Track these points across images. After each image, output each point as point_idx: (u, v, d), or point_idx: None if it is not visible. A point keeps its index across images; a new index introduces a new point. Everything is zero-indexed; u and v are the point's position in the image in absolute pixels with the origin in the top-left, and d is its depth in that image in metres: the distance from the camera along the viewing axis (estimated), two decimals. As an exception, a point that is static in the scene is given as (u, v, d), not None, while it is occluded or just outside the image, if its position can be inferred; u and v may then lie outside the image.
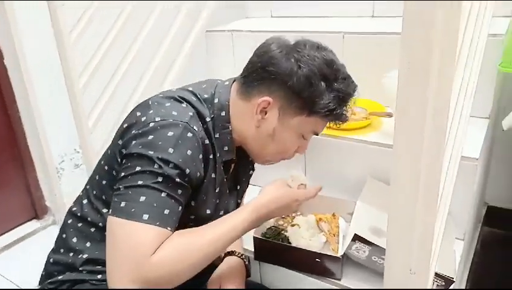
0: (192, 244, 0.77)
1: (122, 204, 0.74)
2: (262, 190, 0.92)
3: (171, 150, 0.76)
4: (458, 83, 0.75)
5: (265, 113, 0.88)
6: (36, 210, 2.16)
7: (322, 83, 0.85)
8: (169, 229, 0.75)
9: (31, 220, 2.16)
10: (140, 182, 0.74)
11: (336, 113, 0.88)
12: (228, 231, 0.82)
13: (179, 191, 0.77)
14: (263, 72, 0.86)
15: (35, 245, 2.01)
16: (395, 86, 1.13)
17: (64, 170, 2.13)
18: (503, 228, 1.71)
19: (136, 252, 0.71)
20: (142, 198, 0.73)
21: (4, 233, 2.05)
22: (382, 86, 1.17)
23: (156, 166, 0.75)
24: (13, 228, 2.09)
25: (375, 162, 1.22)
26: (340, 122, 0.92)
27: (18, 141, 2.00)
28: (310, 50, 0.86)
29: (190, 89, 0.89)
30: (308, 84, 0.84)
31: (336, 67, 0.87)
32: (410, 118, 0.51)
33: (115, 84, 1.34)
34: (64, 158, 2.11)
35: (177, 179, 0.76)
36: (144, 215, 0.72)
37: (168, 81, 1.50)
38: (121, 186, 0.75)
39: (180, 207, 0.78)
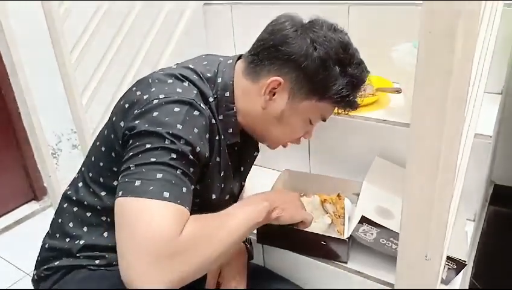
0: (217, 225, 0.72)
1: (137, 183, 0.66)
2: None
3: (179, 126, 0.71)
4: (478, 53, 0.70)
5: (274, 94, 0.83)
6: (35, 191, 2.14)
7: (337, 67, 0.80)
8: (188, 208, 0.69)
9: (30, 201, 2.16)
10: (153, 159, 0.68)
11: (348, 100, 0.84)
12: (248, 214, 0.77)
13: (191, 170, 0.72)
14: (275, 51, 0.81)
15: (34, 226, 2.00)
16: (404, 59, 1.09)
17: (62, 150, 2.10)
18: (510, 207, 1.68)
19: (162, 233, 0.63)
20: (159, 175, 0.67)
21: (3, 215, 2.05)
22: (390, 60, 1.12)
23: (167, 142, 0.69)
24: (12, 210, 2.08)
25: (382, 140, 1.17)
26: (350, 110, 0.88)
27: (13, 121, 1.96)
28: (327, 31, 0.81)
29: (191, 66, 0.84)
30: (322, 67, 0.79)
31: (351, 52, 0.83)
32: (432, 92, 0.46)
33: (108, 59, 1.28)
34: (62, 138, 2.08)
35: (190, 156, 0.71)
36: (165, 193, 0.66)
37: (165, 57, 1.44)
38: (131, 165, 0.69)
39: (193, 186, 0.73)
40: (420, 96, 0.47)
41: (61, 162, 2.09)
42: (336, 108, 0.89)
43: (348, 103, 0.85)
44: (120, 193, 0.68)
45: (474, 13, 0.50)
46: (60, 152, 2.09)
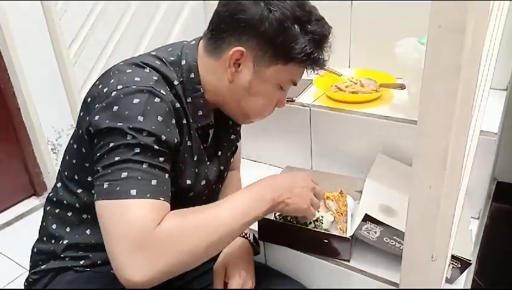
0: (202, 218, 0.70)
1: (105, 185, 0.67)
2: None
3: (140, 118, 0.69)
4: (486, 49, 0.68)
5: (239, 66, 0.81)
6: (35, 187, 2.13)
7: (296, 26, 0.78)
8: (163, 199, 0.69)
9: (30, 197, 2.14)
10: (117, 158, 0.68)
11: (313, 58, 0.81)
12: (239, 207, 0.74)
13: (161, 159, 0.71)
14: (231, 21, 0.79)
15: (34, 222, 1.99)
16: (407, 55, 1.07)
17: (62, 146, 2.08)
18: (513, 204, 1.67)
19: (136, 228, 0.64)
20: (124, 174, 0.67)
21: (3, 210, 2.03)
22: (393, 56, 1.10)
23: (129, 137, 0.68)
24: (12, 205, 2.07)
25: (385, 137, 1.16)
26: (318, 68, 0.85)
27: (13, 116, 1.95)
28: None
29: (153, 53, 0.83)
30: (281, 29, 0.77)
31: (308, 9, 0.80)
32: (441, 88, 0.44)
33: (107, 55, 1.27)
34: (61, 134, 2.06)
35: (156, 146, 0.70)
36: (131, 190, 0.66)
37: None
38: (99, 168, 0.69)
39: (167, 175, 0.72)
40: (428, 93, 0.45)
41: (61, 158, 2.08)
42: (305, 69, 0.86)
43: (314, 60, 0.83)
44: (95, 197, 0.69)
45: (483, 9, 0.48)
46: (60, 147, 2.08)
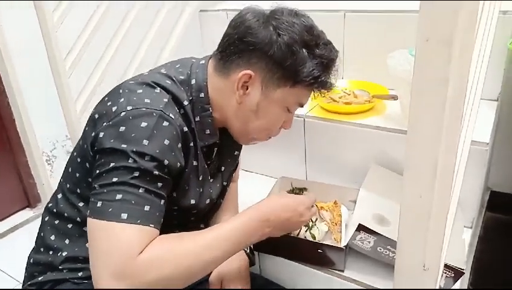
0: (185, 248, 0.70)
1: (99, 204, 0.68)
2: (266, 198, 0.85)
3: (145, 142, 0.70)
4: (475, 61, 0.70)
5: (247, 88, 0.82)
6: (29, 199, 2.11)
7: (304, 50, 0.80)
8: (153, 226, 0.69)
9: (24, 208, 2.12)
10: (115, 179, 0.68)
11: (320, 81, 0.83)
12: (226, 234, 0.74)
13: (159, 184, 0.72)
14: (240, 43, 0.81)
15: (28, 234, 1.97)
16: (400, 66, 1.08)
17: (57, 157, 2.07)
18: (507, 213, 1.68)
19: (119, 252, 0.65)
20: (119, 196, 0.68)
21: (-4, 222, 2.01)
22: (386, 67, 1.11)
23: (130, 160, 0.69)
24: (6, 217, 2.05)
25: (378, 147, 1.17)
26: (325, 91, 0.87)
27: (7, 127, 1.94)
28: (288, 16, 0.81)
29: (163, 71, 0.83)
30: (290, 52, 0.79)
31: (316, 33, 0.82)
32: (429, 99, 0.45)
33: (103, 66, 1.27)
34: (56, 145, 2.05)
35: (155, 172, 0.70)
36: (123, 214, 0.67)
37: (160, 64, 1.43)
38: (96, 185, 0.70)
39: (163, 201, 0.72)
40: (417, 104, 0.46)
41: (55, 169, 2.06)
42: (312, 92, 0.88)
43: (321, 84, 0.84)
44: (88, 212, 0.70)
45: (471, 21, 0.49)
46: (55, 159, 2.07)
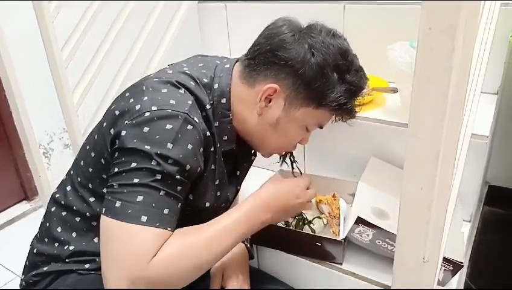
0: (194, 244, 0.71)
1: (117, 204, 0.67)
2: (262, 185, 0.86)
3: (170, 145, 0.69)
4: (476, 52, 0.69)
5: (270, 101, 0.81)
6: (26, 191, 2.11)
7: (335, 74, 0.78)
8: (170, 229, 0.70)
9: (21, 201, 2.12)
10: (136, 180, 0.68)
11: (345, 108, 0.82)
12: (231, 225, 0.75)
13: (178, 188, 0.71)
14: (272, 56, 0.79)
15: (25, 227, 1.97)
16: (400, 59, 1.07)
17: (54, 150, 2.06)
18: (505, 207, 1.68)
19: (135, 256, 0.65)
20: (140, 198, 0.67)
21: (-7, 215, 2.01)
22: (386, 60, 1.11)
23: (153, 163, 0.68)
24: (3, 210, 2.05)
25: (378, 140, 1.16)
26: (348, 117, 0.87)
27: (4, 119, 1.93)
28: (326, 36, 0.79)
29: (187, 71, 0.81)
30: (320, 74, 0.77)
31: (350, 58, 0.81)
32: (431, 90, 0.44)
33: (100, 58, 1.25)
34: (53, 138, 2.05)
35: (177, 176, 0.70)
36: (142, 217, 0.67)
37: (159, 56, 1.42)
38: (114, 184, 0.69)
39: (179, 204, 0.73)
40: (419, 94, 0.45)
41: (53, 162, 2.05)
42: (334, 116, 0.87)
43: (346, 110, 0.83)
44: (103, 210, 0.69)
45: (474, 10, 0.49)
46: (52, 151, 2.06)
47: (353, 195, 1.06)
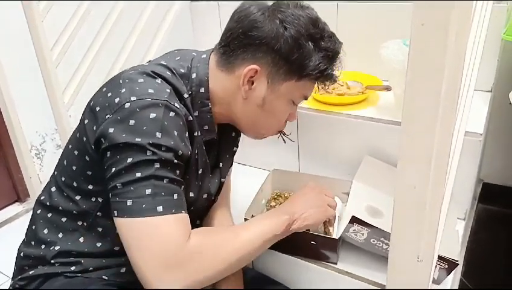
0: (230, 239, 0.75)
1: (129, 203, 0.67)
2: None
3: (159, 134, 0.69)
4: (469, 50, 0.68)
5: (253, 83, 0.81)
6: (18, 193, 2.08)
7: (310, 43, 0.79)
8: (184, 212, 0.71)
9: (13, 203, 2.09)
10: (138, 175, 0.67)
11: (326, 74, 0.83)
12: (262, 230, 0.79)
13: (178, 172, 0.72)
14: (245, 38, 0.79)
15: (17, 229, 1.94)
16: (393, 57, 1.07)
17: (46, 151, 2.04)
18: (499, 205, 1.68)
19: (167, 244, 0.66)
20: (148, 191, 0.67)
21: (-15, 217, 1.98)
22: (379, 58, 1.10)
23: (149, 153, 0.68)
24: (-5, 212, 2.02)
25: (372, 139, 1.16)
26: (330, 83, 0.87)
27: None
28: (294, 9, 0.80)
29: (164, 62, 0.81)
30: (296, 46, 0.78)
31: (321, 26, 0.82)
32: (424, 87, 0.44)
33: (91, 57, 1.24)
34: (46, 138, 2.02)
35: (174, 160, 0.71)
36: (158, 207, 0.67)
37: (150, 55, 1.41)
38: (117, 184, 0.68)
39: (183, 186, 0.74)
40: (412, 91, 0.45)
41: (45, 163, 2.03)
42: (316, 84, 0.88)
43: (327, 76, 0.85)
44: (116, 213, 0.69)
45: (466, 7, 0.48)
46: (44, 152, 2.04)
47: (347, 194, 1.06)
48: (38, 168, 1.83)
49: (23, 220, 1.97)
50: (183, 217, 0.70)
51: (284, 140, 0.99)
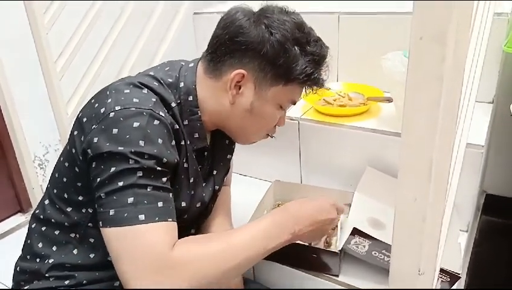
0: (217, 247, 0.71)
1: (112, 212, 0.67)
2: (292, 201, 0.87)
3: (142, 143, 0.69)
4: (469, 62, 0.69)
5: (240, 88, 0.82)
6: (21, 203, 2.08)
7: (296, 48, 0.80)
8: (170, 219, 0.69)
9: (15, 213, 2.10)
10: (120, 184, 0.67)
11: (313, 78, 0.84)
12: (259, 234, 0.75)
13: (163, 179, 0.71)
14: (232, 44, 0.80)
15: (20, 240, 1.95)
16: (394, 68, 1.08)
17: (49, 161, 2.05)
18: (502, 216, 1.67)
19: (151, 252, 0.65)
20: (130, 199, 0.67)
21: (-13, 228, 1.98)
22: (380, 69, 1.11)
23: (131, 161, 0.68)
24: (-2, 223, 2.02)
25: (373, 150, 1.16)
26: (317, 88, 0.88)
27: (-1, 130, 1.92)
28: (279, 14, 0.81)
29: (151, 73, 0.82)
30: (282, 50, 0.79)
31: (306, 30, 0.83)
32: (423, 99, 0.44)
33: (95, 68, 1.25)
34: (49, 149, 2.03)
35: (158, 168, 0.70)
36: (140, 216, 0.66)
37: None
38: (101, 194, 0.68)
39: (171, 194, 0.73)
40: (411, 103, 0.45)
41: (48, 174, 2.03)
42: (304, 89, 0.88)
43: (314, 81, 0.85)
44: (100, 223, 0.69)
45: (465, 20, 0.48)
46: (48, 163, 2.04)
47: (349, 205, 1.06)
48: (41, 178, 1.83)
49: (25, 230, 1.98)
50: (169, 225, 0.69)
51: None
